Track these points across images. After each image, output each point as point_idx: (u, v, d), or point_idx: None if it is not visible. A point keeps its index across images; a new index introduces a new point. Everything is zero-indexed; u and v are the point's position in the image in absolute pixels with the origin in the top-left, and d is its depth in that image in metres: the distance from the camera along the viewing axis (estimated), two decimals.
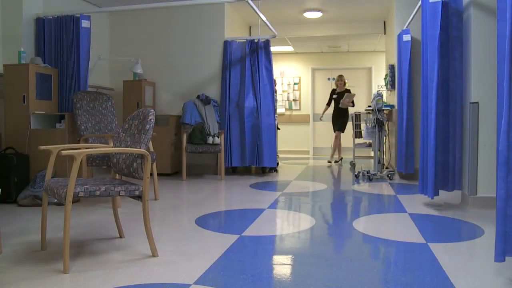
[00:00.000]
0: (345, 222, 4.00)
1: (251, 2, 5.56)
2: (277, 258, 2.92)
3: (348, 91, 9.15)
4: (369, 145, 8.05)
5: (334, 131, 9.47)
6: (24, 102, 5.18)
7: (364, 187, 6.07)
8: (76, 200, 4.70)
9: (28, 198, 4.65)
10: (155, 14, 7.66)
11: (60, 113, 5.42)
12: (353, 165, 8.26)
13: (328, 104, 9.58)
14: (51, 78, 5.55)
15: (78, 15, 5.66)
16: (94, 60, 6.46)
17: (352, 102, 8.95)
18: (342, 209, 4.65)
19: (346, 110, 9.18)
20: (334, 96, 9.30)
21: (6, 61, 5.38)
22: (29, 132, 5.17)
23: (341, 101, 8.87)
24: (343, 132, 9.36)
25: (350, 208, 4.67)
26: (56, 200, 4.55)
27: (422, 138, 4.67)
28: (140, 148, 2.87)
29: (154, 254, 2.90)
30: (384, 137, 7.17)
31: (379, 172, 6.81)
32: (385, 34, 9.04)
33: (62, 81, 5.70)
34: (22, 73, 5.16)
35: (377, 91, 7.33)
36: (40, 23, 5.74)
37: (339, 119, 9.30)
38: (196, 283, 2.42)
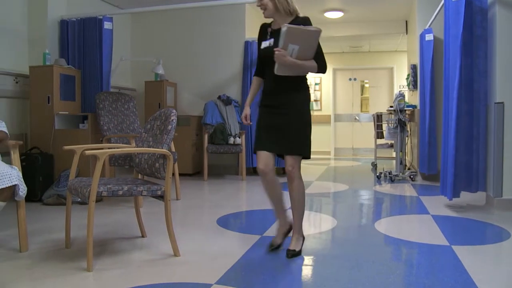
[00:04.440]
0: (366, 223, 3.97)
1: None
2: (298, 259, 2.92)
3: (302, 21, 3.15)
4: (391, 145, 7.97)
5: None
6: (48, 103, 5.27)
7: (386, 188, 6.02)
8: (99, 199, 4.75)
9: (53, 197, 4.73)
10: (177, 15, 7.71)
11: (83, 114, 5.49)
12: (374, 166, 8.20)
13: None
14: (75, 79, 5.63)
15: (101, 17, 5.73)
16: (116, 61, 6.54)
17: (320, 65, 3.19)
18: (363, 210, 4.62)
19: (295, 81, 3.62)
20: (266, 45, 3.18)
21: (32, 63, 5.47)
22: (53, 132, 5.25)
23: (277, 55, 2.88)
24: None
25: (371, 209, 4.64)
26: (79, 199, 4.62)
27: (444, 139, 4.61)
28: (162, 148, 2.89)
29: (176, 254, 2.92)
30: (406, 138, 7.09)
31: (401, 173, 6.74)
32: (407, 33, 8.94)
33: (85, 82, 5.78)
34: (47, 74, 5.24)
35: (399, 91, 7.26)
36: (64, 25, 5.83)
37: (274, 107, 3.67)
38: (217, 282, 2.43)
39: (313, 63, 2.88)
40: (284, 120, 2.92)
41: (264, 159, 2.98)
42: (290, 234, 3.10)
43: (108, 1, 7.17)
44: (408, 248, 3.15)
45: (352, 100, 12.03)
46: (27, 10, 5.59)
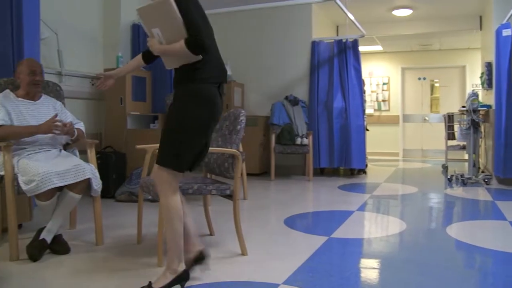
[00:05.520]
0: (437, 228, 3.84)
1: (339, 2, 5.51)
2: (366, 262, 2.87)
3: None
4: (463, 147, 7.67)
5: None
6: (121, 104, 5.49)
7: (457, 191, 5.79)
8: None
9: (125, 194, 4.92)
10: (243, 17, 7.79)
11: (154, 114, 5.68)
12: (445, 168, 7.91)
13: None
14: (145, 81, 5.83)
15: None
16: None
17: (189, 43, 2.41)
18: (434, 213, 4.47)
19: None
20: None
21: (106, 66, 5.72)
22: (125, 132, 5.46)
23: (148, 46, 2.51)
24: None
25: (442, 213, 4.48)
26: (150, 197, 4.76)
27: None
28: (231, 148, 2.93)
29: (243, 253, 2.95)
30: (480, 139, 6.79)
31: (474, 176, 6.47)
32: (481, 29, 8.56)
33: (155, 83, 5.97)
34: (119, 76, 5.45)
35: (472, 90, 6.96)
36: (136, 29, 6.04)
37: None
38: (285, 283, 2.44)
39: (181, 44, 2.22)
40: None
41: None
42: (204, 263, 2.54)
43: None
44: (482, 256, 3.02)
45: (421, 100, 11.66)
46: (102, 16, 5.85)
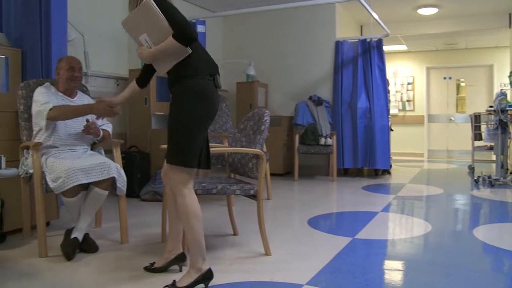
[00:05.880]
0: (463, 230, 3.78)
1: (363, 1, 5.46)
2: (390, 263, 2.85)
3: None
4: (490, 148, 7.53)
5: None
6: (146, 104, 5.55)
7: (484, 193, 5.69)
8: None
9: (149, 193, 4.97)
10: (267, 17, 7.79)
11: None
12: (472, 169, 7.78)
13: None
14: None
15: (194, 21, 5.93)
16: None
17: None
18: (460, 215, 4.40)
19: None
20: None
21: (131, 66, 5.79)
22: (150, 132, 5.51)
23: (138, 55, 2.53)
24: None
25: (469, 215, 4.41)
26: None
27: None
28: (255, 148, 2.94)
29: (267, 253, 2.95)
30: (508, 140, 6.66)
31: (502, 178, 6.34)
32: (510, 27, 8.40)
33: None
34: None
35: (500, 90, 6.84)
36: None
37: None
38: (308, 283, 2.43)
39: (170, 40, 2.28)
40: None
41: (164, 167, 2.63)
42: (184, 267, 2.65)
43: (201, 5, 7.41)
44: (511, 259, 2.96)
45: (447, 100, 11.49)
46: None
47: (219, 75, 2.49)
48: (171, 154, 2.34)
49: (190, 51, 2.34)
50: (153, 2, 2.29)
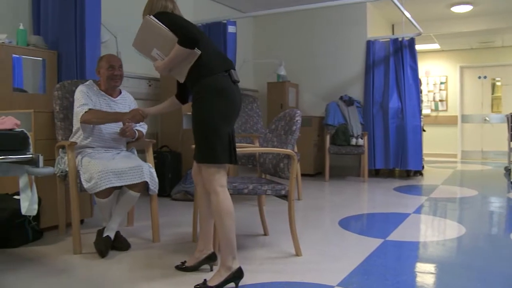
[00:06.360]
0: (499, 233, 3.69)
1: (395, 0, 5.39)
2: (422, 266, 2.80)
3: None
4: None
5: None
6: None
7: None
8: None
9: (180, 193, 5.02)
10: (297, 17, 7.78)
11: None
12: (508, 170, 7.59)
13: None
14: None
15: (225, 21, 5.96)
16: (239, 63, 6.77)
17: None
18: (495, 218, 4.30)
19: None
20: None
21: None
22: (181, 131, 5.57)
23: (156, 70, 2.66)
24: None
25: (505, 218, 4.30)
26: None
27: None
28: (286, 148, 2.94)
29: (297, 253, 2.95)
30: None
31: None
32: None
33: None
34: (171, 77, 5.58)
35: None
36: None
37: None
38: (339, 285, 2.42)
39: (176, 47, 2.39)
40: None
41: (195, 167, 2.66)
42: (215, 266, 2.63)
43: (231, 5, 7.45)
44: None
45: (481, 100, 11.24)
46: None
47: (234, 69, 2.52)
48: (200, 153, 2.39)
49: (199, 52, 2.41)
50: (152, 17, 2.44)
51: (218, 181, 2.37)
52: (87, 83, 3.34)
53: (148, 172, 3.13)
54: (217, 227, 2.40)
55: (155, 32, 2.46)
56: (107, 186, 2.91)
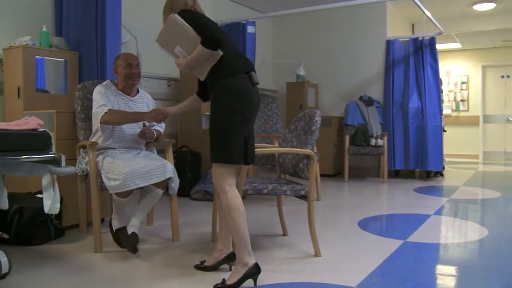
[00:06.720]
0: None
1: None
2: (443, 268, 2.77)
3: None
4: None
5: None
6: None
7: None
8: (242, 197, 4.96)
9: (200, 192, 5.04)
10: (316, 17, 7.76)
11: None
12: None
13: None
14: None
15: (244, 22, 5.97)
16: (258, 63, 6.77)
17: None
18: None
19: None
20: None
21: None
22: (201, 131, 5.60)
23: (178, 67, 2.70)
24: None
25: None
26: None
27: None
28: (306, 148, 2.93)
29: (317, 254, 2.94)
30: None
31: None
32: None
33: None
34: (194, 77, 5.61)
35: None
36: None
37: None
38: (359, 286, 2.41)
39: (199, 48, 2.41)
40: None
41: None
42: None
43: (250, 6, 7.46)
44: None
45: (504, 100, 11.06)
46: None
47: (254, 72, 2.54)
48: (212, 151, 2.41)
49: (221, 53, 2.43)
50: (177, 16, 2.48)
51: (227, 181, 2.40)
52: (105, 83, 3.34)
53: (171, 169, 3.14)
54: (230, 226, 2.41)
55: (178, 31, 2.50)
56: (132, 188, 2.92)
